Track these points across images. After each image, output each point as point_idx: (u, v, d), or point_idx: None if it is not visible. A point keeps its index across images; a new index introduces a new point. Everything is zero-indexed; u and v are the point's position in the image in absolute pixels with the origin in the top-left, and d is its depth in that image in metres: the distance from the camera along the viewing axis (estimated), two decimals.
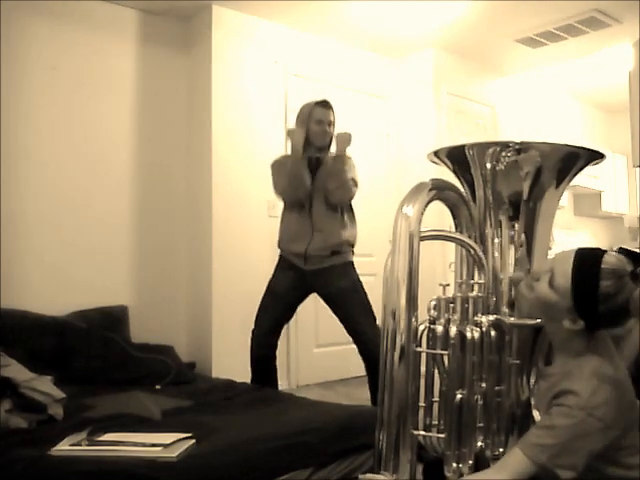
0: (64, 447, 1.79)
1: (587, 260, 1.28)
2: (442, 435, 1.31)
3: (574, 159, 1.50)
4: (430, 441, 1.32)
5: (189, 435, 1.87)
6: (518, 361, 1.43)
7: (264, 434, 1.96)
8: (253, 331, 3.01)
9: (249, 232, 4.08)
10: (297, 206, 2.99)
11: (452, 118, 4.97)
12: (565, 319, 1.27)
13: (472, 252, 1.44)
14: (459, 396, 1.30)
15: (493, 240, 1.51)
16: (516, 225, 1.52)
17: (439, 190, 1.47)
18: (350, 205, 3.09)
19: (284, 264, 3.03)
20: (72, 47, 3.74)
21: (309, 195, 2.97)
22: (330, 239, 2.92)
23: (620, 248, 3.18)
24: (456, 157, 1.56)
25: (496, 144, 1.47)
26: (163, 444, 1.76)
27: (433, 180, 1.48)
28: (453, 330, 1.33)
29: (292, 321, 4.17)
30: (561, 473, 1.20)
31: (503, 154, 1.44)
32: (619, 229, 7.23)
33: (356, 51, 4.79)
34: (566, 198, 6.50)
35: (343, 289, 2.94)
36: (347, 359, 4.53)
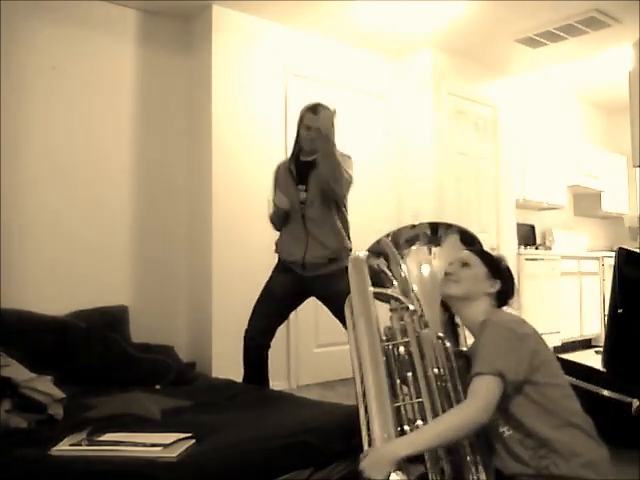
0: (64, 447, 1.78)
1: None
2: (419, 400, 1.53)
3: None
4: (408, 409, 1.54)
5: (189, 435, 1.87)
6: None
7: (264, 434, 1.96)
8: (246, 330, 3.01)
9: (249, 232, 4.08)
10: (291, 215, 3.01)
11: (452, 118, 4.97)
12: (486, 284, 1.68)
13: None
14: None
15: None
16: None
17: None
18: (344, 205, 3.08)
19: (282, 266, 3.04)
20: (72, 47, 3.74)
21: (301, 203, 2.96)
22: (326, 247, 2.93)
23: (620, 248, 3.19)
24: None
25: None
26: (163, 444, 1.76)
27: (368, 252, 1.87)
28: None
29: (292, 321, 4.19)
30: (504, 375, 1.42)
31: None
32: (619, 229, 7.23)
33: (356, 51, 4.79)
34: (566, 198, 6.50)
35: (342, 291, 2.93)
36: (347, 359, 4.53)
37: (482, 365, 1.46)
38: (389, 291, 1.78)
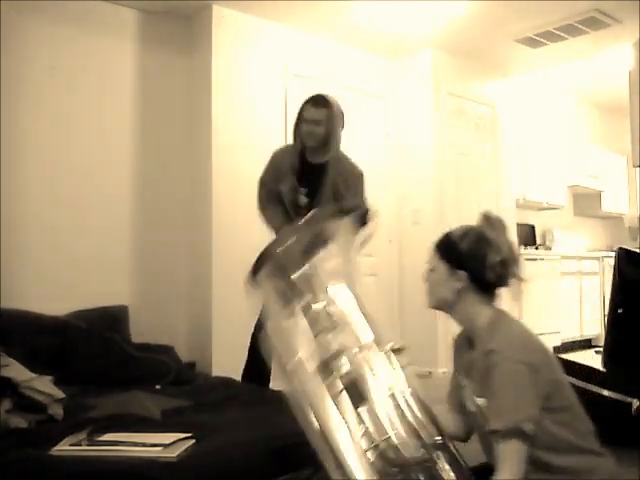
0: (64, 447, 1.78)
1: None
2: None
3: None
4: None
5: (189, 435, 1.87)
6: None
7: (264, 434, 1.96)
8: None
9: (249, 232, 4.07)
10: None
11: (452, 118, 4.97)
12: (450, 283, 1.45)
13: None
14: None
15: None
16: None
17: None
18: None
19: None
20: (72, 47, 3.74)
21: (297, 206, 2.84)
22: None
23: (620, 248, 3.19)
24: None
25: None
26: (163, 444, 1.76)
27: None
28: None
29: None
30: (527, 432, 1.27)
31: None
32: (619, 229, 7.23)
33: (356, 51, 4.79)
34: (566, 198, 6.50)
35: None
36: None
37: (502, 421, 1.31)
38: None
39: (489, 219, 1.48)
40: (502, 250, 1.44)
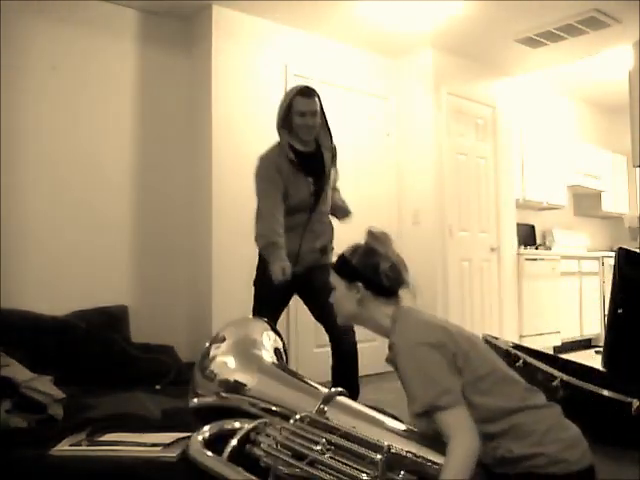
0: (64, 447, 1.79)
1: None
2: None
3: None
4: None
5: (189, 435, 1.87)
6: None
7: None
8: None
9: (249, 232, 4.07)
10: (294, 208, 2.80)
11: (452, 118, 4.97)
12: (350, 296, 1.60)
13: None
14: None
15: None
16: None
17: None
18: None
19: None
20: (72, 47, 3.74)
21: (311, 195, 2.78)
22: (322, 238, 2.86)
23: (620, 248, 3.19)
24: None
25: None
26: (163, 444, 1.76)
27: None
28: None
29: (292, 321, 4.19)
30: (444, 405, 1.35)
31: None
32: (619, 229, 7.23)
33: (357, 51, 4.79)
34: (566, 198, 6.50)
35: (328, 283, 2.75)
36: None
37: (417, 404, 1.39)
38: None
39: (374, 234, 1.64)
40: (390, 257, 1.60)
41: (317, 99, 2.76)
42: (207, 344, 1.78)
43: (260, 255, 2.90)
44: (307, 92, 2.72)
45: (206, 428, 1.61)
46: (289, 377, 1.75)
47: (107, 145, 3.86)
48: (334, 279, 1.66)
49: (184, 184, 4.16)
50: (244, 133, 4.11)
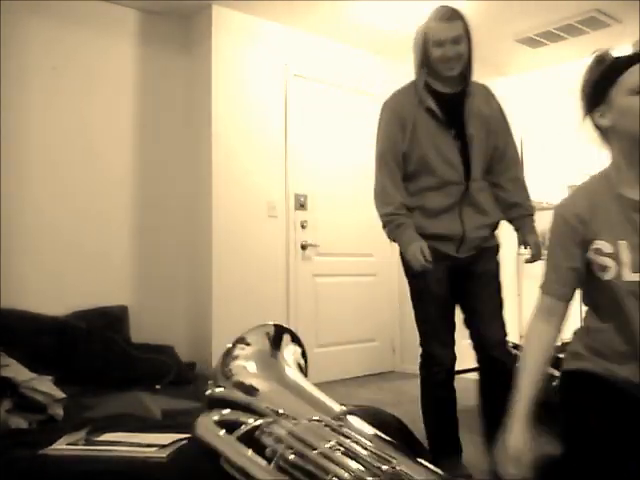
0: (60, 446, 1.78)
1: None
2: None
3: None
4: None
5: (189, 436, 1.86)
6: None
7: None
8: (428, 355, 2.22)
9: (249, 232, 4.08)
10: (439, 176, 2.18)
11: None
12: None
13: None
14: None
15: None
16: None
17: None
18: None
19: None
20: (72, 47, 3.74)
21: (460, 167, 2.16)
22: (488, 214, 2.26)
23: None
24: None
25: None
26: (160, 444, 1.76)
27: None
28: None
29: (292, 321, 4.20)
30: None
31: None
32: None
33: (356, 51, 4.79)
34: None
35: (494, 272, 2.28)
36: (347, 359, 4.54)
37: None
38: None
39: None
40: None
41: (462, 22, 2.20)
42: (230, 344, 1.76)
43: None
44: (446, 14, 2.14)
45: (218, 411, 1.60)
46: (307, 392, 1.73)
47: (107, 145, 3.86)
48: None
49: (184, 184, 4.16)
50: (244, 133, 4.12)
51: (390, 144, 2.27)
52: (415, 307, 2.31)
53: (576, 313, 1.63)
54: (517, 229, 2.33)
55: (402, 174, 2.25)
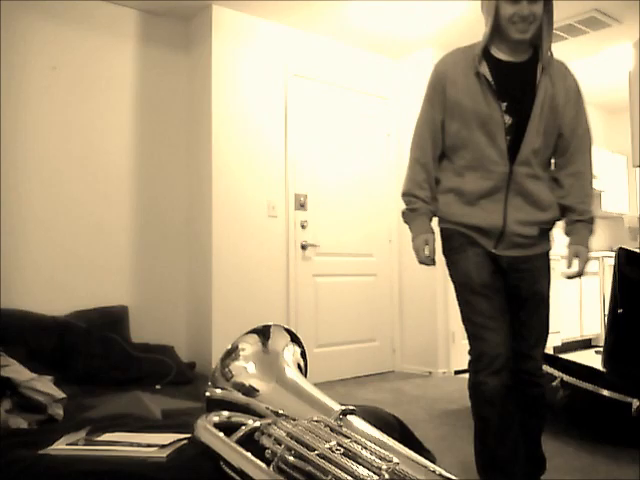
0: (60, 446, 1.78)
1: None
2: None
3: None
4: None
5: (188, 436, 1.86)
6: None
7: None
8: (478, 359, 1.85)
9: (249, 232, 4.08)
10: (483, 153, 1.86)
11: None
12: None
13: None
14: None
15: None
16: None
17: None
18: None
19: (460, 240, 1.93)
20: (72, 47, 3.74)
21: (506, 135, 1.83)
22: (542, 207, 1.92)
23: (620, 248, 3.19)
24: None
25: None
26: (160, 444, 1.76)
27: None
28: None
29: (292, 321, 4.20)
30: None
31: None
32: (619, 229, 7.23)
33: (356, 51, 4.79)
34: None
35: (543, 292, 2.11)
36: (347, 359, 4.54)
37: None
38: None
39: None
40: None
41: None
42: (230, 345, 1.76)
43: (441, 231, 2.01)
44: None
45: (217, 413, 1.61)
46: (306, 392, 1.73)
47: (107, 145, 3.86)
48: None
49: (184, 184, 4.17)
50: (244, 132, 4.12)
51: (428, 110, 1.99)
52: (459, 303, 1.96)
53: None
54: (566, 234, 2.01)
55: (439, 148, 1.98)
